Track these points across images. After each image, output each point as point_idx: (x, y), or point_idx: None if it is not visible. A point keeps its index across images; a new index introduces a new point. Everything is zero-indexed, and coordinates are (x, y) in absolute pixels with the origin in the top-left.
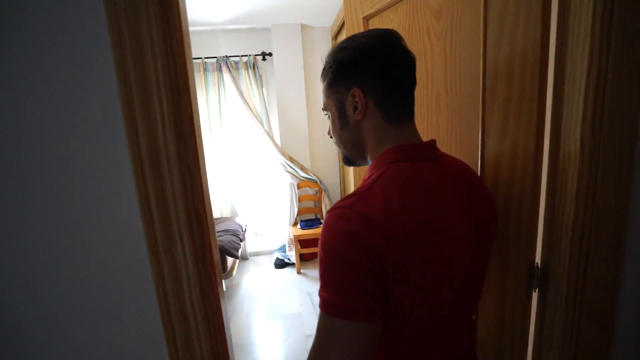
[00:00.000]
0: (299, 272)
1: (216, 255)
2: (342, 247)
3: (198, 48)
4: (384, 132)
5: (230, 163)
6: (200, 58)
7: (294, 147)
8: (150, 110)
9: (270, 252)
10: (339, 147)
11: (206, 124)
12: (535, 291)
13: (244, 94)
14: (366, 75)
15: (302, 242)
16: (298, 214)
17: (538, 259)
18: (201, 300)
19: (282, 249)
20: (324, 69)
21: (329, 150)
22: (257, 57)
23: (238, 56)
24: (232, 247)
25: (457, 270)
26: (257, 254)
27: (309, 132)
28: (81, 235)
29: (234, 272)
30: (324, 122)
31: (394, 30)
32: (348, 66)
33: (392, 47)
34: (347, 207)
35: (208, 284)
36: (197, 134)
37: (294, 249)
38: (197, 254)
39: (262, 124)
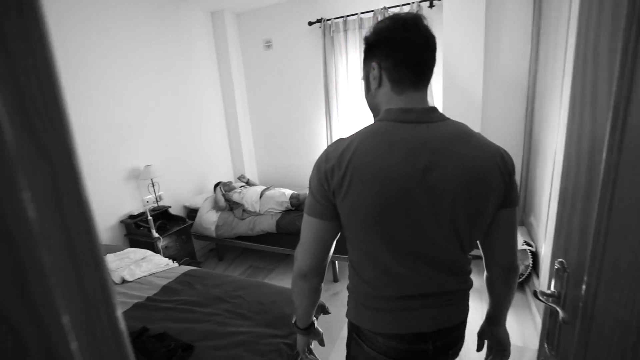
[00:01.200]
0: None
1: None
2: (316, 164)
3: (350, 3)
4: (391, 98)
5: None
6: (342, 17)
7: (461, 114)
8: None
9: None
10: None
11: (344, 88)
12: None
13: None
14: (382, 53)
15: None
16: None
17: None
18: None
19: None
20: (364, 49)
21: (512, 118)
22: (422, 3)
23: (398, 6)
24: None
25: (390, 212)
26: None
27: (482, 97)
28: None
29: None
30: (503, 87)
31: (414, 14)
32: (371, 45)
33: (404, 29)
34: (332, 144)
35: None
36: None
37: None
38: None
39: None
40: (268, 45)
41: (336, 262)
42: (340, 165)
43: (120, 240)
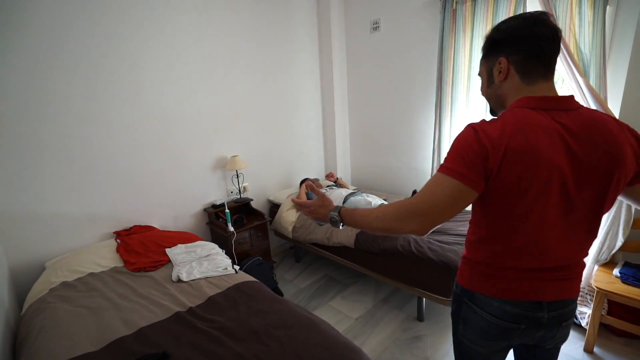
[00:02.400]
0: (589, 351)
1: None
2: (469, 140)
3: None
4: (519, 89)
5: None
6: None
7: None
8: None
9: None
10: (487, 101)
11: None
12: None
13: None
14: (511, 48)
15: (617, 307)
16: (622, 248)
17: None
18: None
19: None
20: (483, 46)
21: None
22: None
23: None
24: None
25: (542, 193)
26: None
27: None
28: None
29: None
30: None
31: (542, 12)
32: (497, 42)
33: (534, 26)
34: (478, 125)
35: None
36: None
37: (592, 306)
38: None
39: (584, 73)
40: (375, 26)
41: (424, 299)
42: (499, 145)
43: (202, 228)
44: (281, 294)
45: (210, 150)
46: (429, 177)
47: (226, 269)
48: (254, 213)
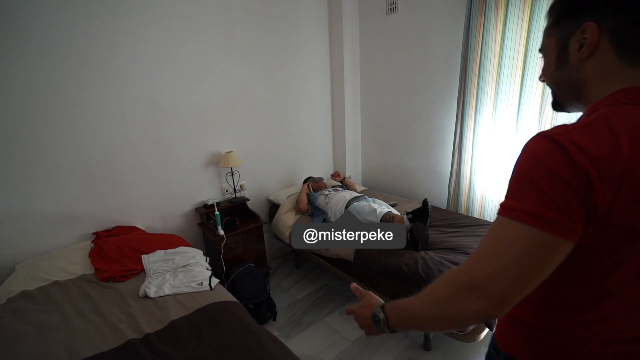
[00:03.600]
0: None
1: None
2: (554, 162)
3: None
4: (615, 72)
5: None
6: None
7: None
8: None
9: None
10: (551, 89)
11: (492, 68)
12: None
13: None
14: (609, 7)
15: None
16: None
17: None
18: None
19: None
20: (553, 5)
21: None
22: None
23: None
24: None
25: None
26: None
27: None
28: None
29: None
30: None
31: None
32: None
33: None
34: (562, 134)
35: None
36: None
37: None
38: None
39: None
40: (392, 7)
41: None
42: (610, 169)
43: (193, 229)
44: (274, 306)
45: (203, 146)
46: (447, 181)
47: (201, 284)
48: (250, 214)
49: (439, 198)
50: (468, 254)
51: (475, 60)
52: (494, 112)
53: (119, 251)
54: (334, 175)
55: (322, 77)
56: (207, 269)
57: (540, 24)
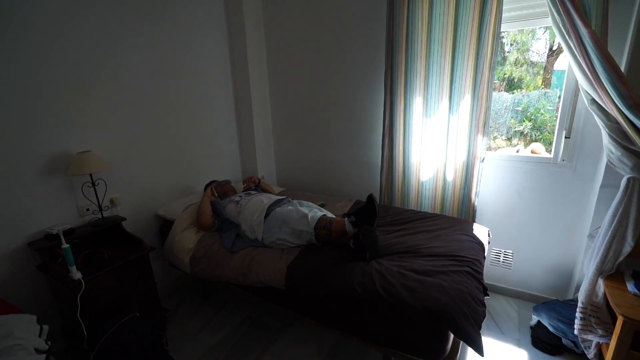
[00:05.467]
0: None
1: None
2: None
3: None
4: None
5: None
6: None
7: None
8: None
9: (525, 307)
10: None
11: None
12: None
13: None
14: None
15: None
16: (631, 255)
17: None
18: None
19: (563, 312)
20: None
21: None
22: None
23: None
24: (470, 313)
25: None
26: (498, 298)
27: None
28: None
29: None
30: None
31: None
32: None
33: None
34: None
35: None
36: None
37: (598, 328)
38: None
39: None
40: None
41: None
42: None
43: (25, 278)
44: None
45: (34, 143)
46: (377, 172)
47: None
48: (129, 240)
49: (371, 192)
50: (425, 255)
51: (402, 34)
52: (425, 92)
53: None
54: (248, 182)
55: (221, 56)
56: (38, 351)
57: None
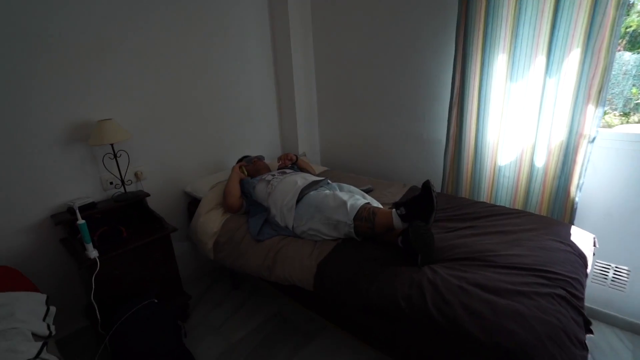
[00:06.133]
0: None
1: None
2: None
3: None
4: None
5: None
6: None
7: None
8: None
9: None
10: None
11: None
12: None
13: None
14: None
15: None
16: None
17: None
18: None
19: None
20: None
21: None
22: None
23: None
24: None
25: None
26: (603, 317)
27: None
28: None
29: None
30: None
31: None
32: None
33: None
34: None
35: None
36: None
37: None
38: None
39: None
40: None
41: None
42: None
43: (49, 252)
44: None
45: (55, 109)
46: (441, 153)
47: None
48: (152, 218)
49: (430, 177)
50: (498, 266)
51: None
52: (512, 46)
53: None
54: (283, 159)
55: (259, 10)
56: (37, 336)
57: None
